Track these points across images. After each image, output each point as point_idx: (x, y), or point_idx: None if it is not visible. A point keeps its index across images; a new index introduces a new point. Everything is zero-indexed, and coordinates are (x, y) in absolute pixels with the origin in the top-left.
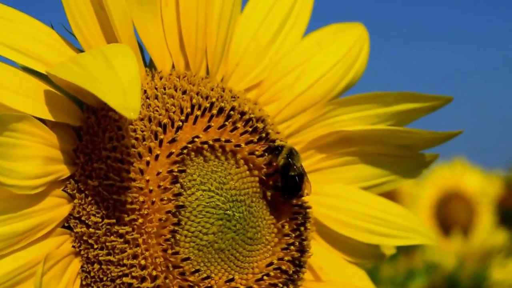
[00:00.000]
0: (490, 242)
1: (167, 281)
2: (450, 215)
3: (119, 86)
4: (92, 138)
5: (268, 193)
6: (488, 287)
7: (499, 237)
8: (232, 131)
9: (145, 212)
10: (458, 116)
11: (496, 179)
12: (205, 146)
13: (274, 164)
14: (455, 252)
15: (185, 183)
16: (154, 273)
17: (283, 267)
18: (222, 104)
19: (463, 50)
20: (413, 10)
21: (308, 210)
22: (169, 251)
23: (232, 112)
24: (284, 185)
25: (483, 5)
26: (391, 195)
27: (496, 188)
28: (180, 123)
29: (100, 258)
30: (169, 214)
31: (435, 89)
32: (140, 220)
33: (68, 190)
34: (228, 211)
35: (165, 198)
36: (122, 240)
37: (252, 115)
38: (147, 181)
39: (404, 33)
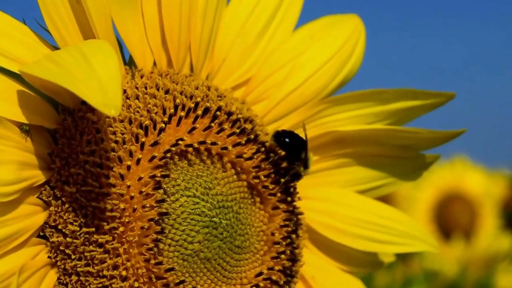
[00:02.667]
0: (494, 247)
1: None
2: (451, 218)
3: (99, 83)
4: (69, 141)
5: (257, 199)
6: None
7: (505, 242)
8: (218, 132)
9: (126, 220)
10: (458, 111)
11: (501, 179)
12: (190, 149)
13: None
14: (457, 258)
15: (168, 189)
16: (136, 284)
17: (273, 277)
18: (208, 104)
19: (466, 41)
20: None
21: (300, 216)
22: (152, 261)
23: (218, 113)
24: (286, 152)
25: None
26: (386, 197)
27: (500, 189)
28: (163, 125)
29: (78, 269)
30: (152, 222)
31: (434, 84)
32: (121, 229)
33: (43, 197)
34: (215, 218)
35: (147, 205)
36: (101, 249)
37: (239, 116)
38: (128, 186)
39: (404, 24)
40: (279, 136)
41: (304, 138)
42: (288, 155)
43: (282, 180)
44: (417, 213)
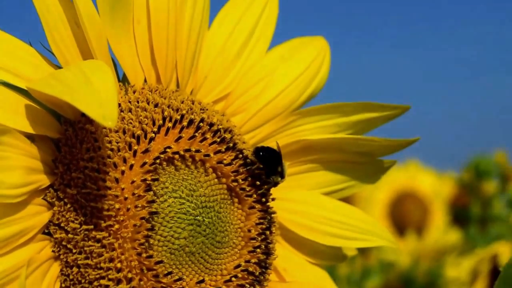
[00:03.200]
0: (443, 241)
1: (141, 283)
2: (405, 215)
3: (97, 98)
4: (70, 149)
5: (236, 200)
6: (442, 284)
7: (452, 236)
8: (201, 141)
9: (121, 219)
10: (409, 118)
11: (449, 180)
12: (176, 156)
13: (250, 166)
14: (410, 251)
15: (157, 191)
16: (129, 275)
17: (250, 269)
18: (192, 116)
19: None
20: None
21: (273, 215)
22: (143, 255)
23: (201, 124)
24: (264, 166)
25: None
26: (348, 197)
27: (448, 188)
28: (153, 135)
29: (79, 262)
30: (143, 220)
31: (389, 94)
32: (116, 226)
33: (48, 199)
34: (198, 217)
35: (139, 205)
36: (99, 244)
37: (220, 126)
38: (122, 189)
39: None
40: (258, 151)
41: (277, 149)
42: (266, 167)
43: (264, 187)
44: (375, 210)
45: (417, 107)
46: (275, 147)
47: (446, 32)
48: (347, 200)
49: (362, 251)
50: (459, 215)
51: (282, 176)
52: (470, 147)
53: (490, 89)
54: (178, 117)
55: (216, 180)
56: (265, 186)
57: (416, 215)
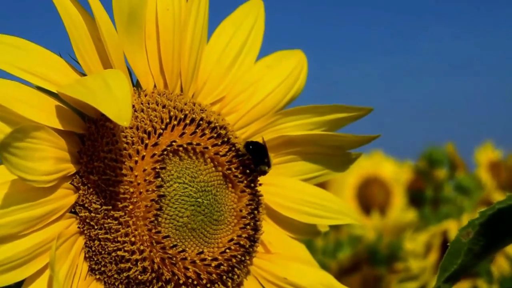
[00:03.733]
0: (402, 219)
1: (151, 253)
2: (370, 196)
3: (115, 100)
4: (93, 143)
5: (230, 185)
6: (402, 255)
7: (409, 215)
8: (201, 136)
9: (134, 200)
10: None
11: (407, 167)
12: (180, 148)
13: (242, 157)
14: (374, 227)
15: (165, 177)
16: (141, 247)
17: (241, 242)
18: (194, 116)
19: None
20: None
21: (260, 198)
22: (153, 231)
23: (201, 122)
24: (253, 157)
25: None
26: (323, 182)
27: (406, 175)
28: (161, 131)
29: (100, 236)
30: (153, 202)
31: (358, 96)
32: (131, 207)
33: (74, 183)
34: (199, 199)
35: (150, 189)
36: (116, 222)
37: (216, 124)
38: (136, 176)
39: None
40: (248, 145)
41: (262, 142)
42: (254, 158)
43: (253, 174)
44: (346, 193)
45: (379, 105)
46: (261, 142)
47: (407, 36)
48: (322, 184)
49: (335, 227)
50: (415, 197)
51: (268, 165)
52: (424, 140)
53: (442, 90)
54: (182, 116)
55: (213, 168)
56: (254, 174)
57: (380, 197)
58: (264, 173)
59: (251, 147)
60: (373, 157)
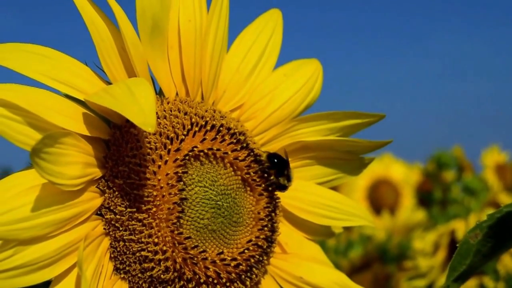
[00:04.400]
0: (411, 219)
1: (173, 254)
2: (381, 197)
3: (140, 108)
4: (118, 148)
5: (248, 188)
6: (411, 254)
7: (419, 215)
8: (221, 142)
9: (157, 203)
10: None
11: (416, 170)
12: (201, 153)
13: (267, 170)
14: (385, 227)
15: (186, 181)
16: (164, 248)
17: (259, 243)
18: (214, 122)
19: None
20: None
21: (277, 200)
22: (175, 232)
23: (221, 128)
24: (274, 170)
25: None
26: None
27: (416, 176)
28: (183, 137)
29: (124, 237)
30: (175, 205)
31: (374, 100)
32: (154, 209)
33: (100, 187)
34: (219, 202)
35: (172, 193)
36: (140, 224)
37: (236, 130)
38: (159, 180)
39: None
40: (270, 156)
41: (285, 157)
42: (275, 169)
43: (270, 188)
44: (357, 194)
45: (389, 109)
46: (280, 146)
47: (415, 43)
48: (334, 186)
49: (347, 228)
50: (424, 199)
51: (288, 179)
52: (433, 143)
53: (451, 97)
54: (203, 123)
55: (232, 172)
56: (273, 186)
57: (390, 198)
58: (284, 188)
59: (272, 159)
60: (383, 159)
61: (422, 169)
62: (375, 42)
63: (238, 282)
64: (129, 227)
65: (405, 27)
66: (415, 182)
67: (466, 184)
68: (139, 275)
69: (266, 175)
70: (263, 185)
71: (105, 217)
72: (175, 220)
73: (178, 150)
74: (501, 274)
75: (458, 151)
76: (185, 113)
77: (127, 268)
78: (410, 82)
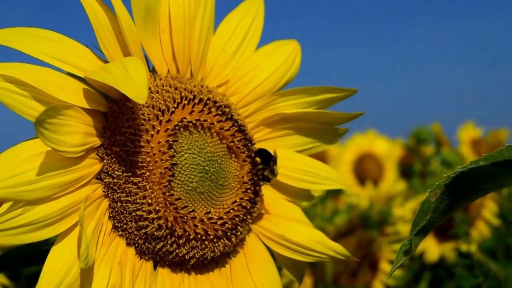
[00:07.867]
0: (393, 189)
1: (165, 213)
2: (365, 170)
3: (133, 83)
4: (115, 119)
5: (234, 161)
6: (391, 220)
7: (400, 186)
8: (208, 114)
9: (151, 168)
10: (370, 96)
11: (398, 144)
12: (190, 124)
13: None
14: (368, 196)
15: (177, 149)
16: (157, 208)
17: (243, 204)
18: (201, 96)
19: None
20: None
21: (259, 166)
22: (167, 194)
23: (208, 101)
24: (262, 160)
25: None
26: (322, 157)
27: (398, 151)
28: (173, 109)
29: (121, 198)
30: (167, 169)
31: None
32: (147, 173)
33: (100, 154)
34: (206, 167)
35: (164, 159)
36: (135, 186)
37: (221, 103)
38: (152, 147)
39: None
40: (260, 151)
41: (273, 154)
42: (263, 163)
43: (255, 178)
44: (343, 167)
45: (373, 89)
46: (262, 118)
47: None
48: (322, 158)
49: (333, 196)
50: (405, 171)
51: (273, 173)
52: (414, 120)
53: (430, 76)
54: (191, 97)
55: (218, 141)
56: (260, 177)
57: (374, 171)
58: (268, 179)
59: (261, 153)
60: (367, 135)
61: (403, 144)
62: (357, 22)
63: (224, 238)
64: (126, 189)
65: (388, 8)
66: (397, 156)
67: (444, 157)
68: (135, 232)
69: (247, 142)
70: (247, 152)
71: (104, 181)
72: (166, 183)
73: (169, 121)
74: (474, 238)
75: (437, 128)
76: (176, 88)
77: (124, 226)
78: (395, 63)
